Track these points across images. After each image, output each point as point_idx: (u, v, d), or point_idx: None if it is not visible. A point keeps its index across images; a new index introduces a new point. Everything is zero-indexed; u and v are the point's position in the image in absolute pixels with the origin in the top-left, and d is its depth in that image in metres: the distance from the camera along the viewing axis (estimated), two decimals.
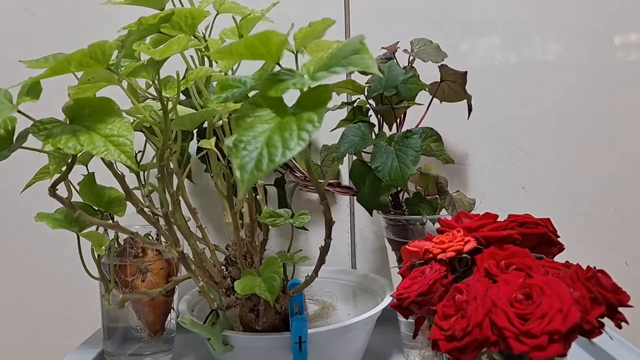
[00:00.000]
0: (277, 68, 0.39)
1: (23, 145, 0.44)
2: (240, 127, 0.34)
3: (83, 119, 0.42)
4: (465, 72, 0.70)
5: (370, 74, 0.66)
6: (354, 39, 0.35)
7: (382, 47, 0.74)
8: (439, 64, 0.70)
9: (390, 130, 0.73)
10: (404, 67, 0.71)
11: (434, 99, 0.73)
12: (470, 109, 0.72)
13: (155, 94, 0.57)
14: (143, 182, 0.64)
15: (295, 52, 0.44)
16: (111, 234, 0.63)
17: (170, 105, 0.50)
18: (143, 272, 0.64)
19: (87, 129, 0.41)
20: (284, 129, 0.33)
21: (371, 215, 0.70)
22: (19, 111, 0.42)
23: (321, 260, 0.55)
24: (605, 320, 0.38)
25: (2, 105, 0.41)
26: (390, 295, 0.55)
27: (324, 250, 0.54)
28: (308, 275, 0.57)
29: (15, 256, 0.88)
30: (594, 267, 0.40)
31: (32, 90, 0.43)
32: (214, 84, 0.57)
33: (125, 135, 0.41)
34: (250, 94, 0.38)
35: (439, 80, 0.72)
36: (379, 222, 0.79)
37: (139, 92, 0.62)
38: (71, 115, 0.43)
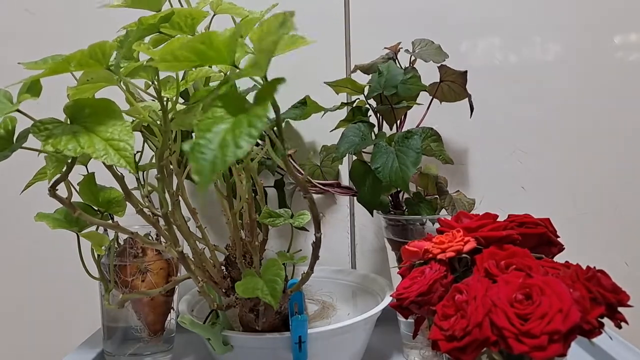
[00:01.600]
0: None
1: (23, 145, 0.44)
2: (199, 129, 0.34)
3: (84, 119, 0.42)
4: (465, 72, 0.70)
5: None
6: (277, 16, 0.35)
7: (385, 47, 0.75)
8: (439, 65, 0.70)
9: (390, 131, 0.73)
10: (405, 68, 0.71)
11: (434, 100, 0.73)
12: (472, 108, 0.72)
13: (154, 95, 0.57)
14: (142, 183, 0.64)
15: (253, 52, 0.43)
16: (111, 234, 0.64)
17: (169, 105, 0.50)
18: (143, 272, 0.64)
19: (87, 131, 0.41)
20: (236, 127, 0.33)
21: (372, 215, 0.70)
22: (19, 110, 0.42)
23: (315, 256, 0.55)
24: (605, 320, 0.38)
25: (2, 104, 0.41)
26: (390, 295, 0.55)
27: (316, 245, 0.54)
28: (304, 273, 0.57)
29: (15, 256, 0.88)
30: (594, 267, 0.39)
31: (33, 88, 0.43)
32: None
33: (126, 140, 0.41)
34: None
35: (439, 81, 0.72)
36: (379, 222, 0.79)
37: (135, 93, 0.62)
38: (72, 116, 0.43)
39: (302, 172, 0.74)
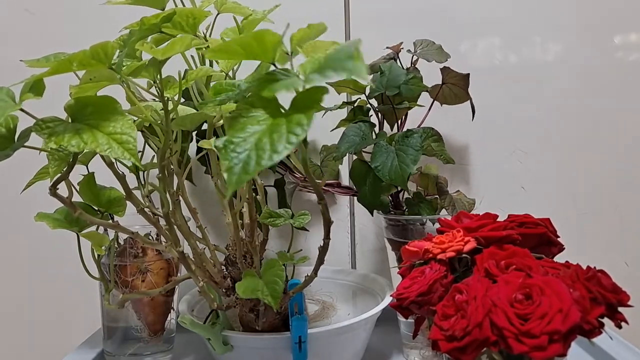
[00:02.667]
0: (273, 68, 0.38)
1: (25, 144, 0.44)
2: (233, 128, 0.33)
3: (85, 117, 0.42)
4: (468, 75, 0.70)
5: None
6: (350, 44, 0.34)
7: (387, 47, 0.75)
8: (441, 67, 0.70)
9: (391, 131, 0.73)
10: (407, 68, 0.71)
11: (435, 102, 0.73)
12: (473, 111, 0.72)
13: (156, 94, 0.57)
14: (143, 182, 0.65)
15: (290, 53, 0.43)
16: (111, 234, 0.64)
17: (171, 105, 0.50)
18: (143, 272, 0.64)
19: (89, 127, 0.41)
20: (273, 131, 0.33)
21: (372, 215, 0.70)
22: (21, 109, 0.42)
23: (320, 260, 0.55)
24: (605, 320, 0.38)
25: (5, 103, 0.41)
26: (390, 295, 0.55)
27: (323, 250, 0.54)
28: (308, 276, 0.57)
29: (15, 256, 0.88)
30: (594, 267, 0.40)
31: (35, 87, 0.43)
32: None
33: (129, 133, 0.41)
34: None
35: (441, 83, 0.72)
36: (379, 222, 0.79)
37: (136, 92, 0.62)
38: (73, 114, 0.43)
39: (301, 172, 0.74)
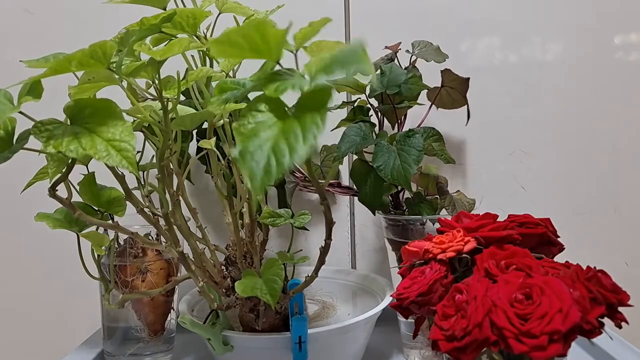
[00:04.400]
0: (278, 67, 0.38)
1: (25, 145, 0.44)
2: (243, 135, 0.33)
3: (84, 119, 0.42)
4: (468, 79, 0.70)
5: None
6: (357, 44, 0.34)
7: (385, 47, 0.75)
8: (442, 69, 0.70)
9: (392, 130, 0.73)
10: (406, 68, 0.71)
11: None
12: (469, 116, 0.72)
13: (155, 94, 0.57)
14: (143, 182, 0.64)
15: (295, 52, 0.43)
16: (111, 234, 0.63)
17: (170, 105, 0.50)
18: (143, 272, 0.64)
19: (88, 132, 0.41)
20: (288, 133, 0.32)
21: (374, 215, 0.70)
22: (20, 112, 0.42)
23: (321, 261, 0.55)
24: (605, 320, 0.38)
25: (3, 105, 0.41)
26: (390, 295, 0.55)
27: (324, 250, 0.54)
28: (308, 276, 0.57)
29: (15, 256, 0.88)
30: (594, 267, 0.40)
31: (34, 89, 0.43)
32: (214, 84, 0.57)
33: (127, 141, 0.41)
34: (252, 96, 0.38)
35: (440, 86, 0.72)
36: (379, 222, 0.79)
37: (138, 92, 0.62)
38: (72, 116, 0.42)
39: (302, 172, 0.74)
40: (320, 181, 0.48)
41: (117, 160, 0.40)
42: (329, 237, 0.52)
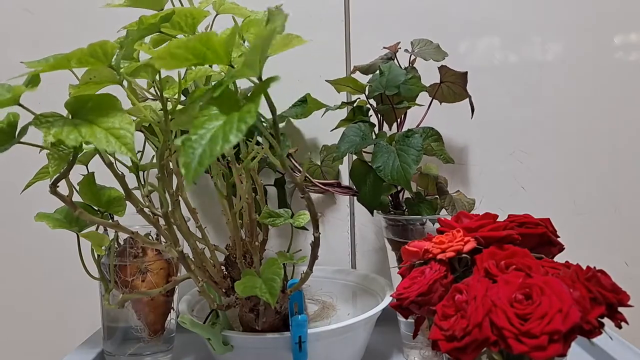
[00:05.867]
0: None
1: (25, 141, 0.44)
2: (193, 126, 0.35)
3: (85, 113, 0.42)
4: (466, 73, 0.70)
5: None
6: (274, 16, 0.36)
7: (384, 47, 0.75)
8: (439, 65, 0.70)
9: (390, 131, 0.73)
10: (405, 68, 0.71)
11: (434, 100, 0.73)
12: (472, 109, 0.72)
13: (155, 94, 0.57)
14: (143, 182, 0.64)
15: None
16: (111, 234, 0.63)
17: (170, 105, 0.50)
18: (143, 272, 0.64)
19: (88, 123, 0.41)
20: (227, 123, 0.34)
21: (372, 215, 0.70)
22: (21, 105, 0.42)
23: (314, 256, 0.55)
24: (605, 320, 0.38)
25: (3, 97, 0.41)
26: (390, 295, 0.55)
27: (315, 244, 0.54)
28: (303, 273, 0.57)
29: (15, 256, 0.88)
30: (594, 267, 0.40)
31: (32, 82, 0.43)
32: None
33: (127, 128, 0.41)
34: None
35: (439, 82, 0.72)
36: (379, 222, 0.79)
37: (138, 92, 0.62)
38: (73, 110, 0.43)
39: (301, 170, 0.74)
40: (296, 174, 0.49)
41: (117, 147, 0.40)
42: (316, 230, 0.52)
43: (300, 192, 0.49)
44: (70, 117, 0.42)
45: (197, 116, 0.35)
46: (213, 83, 0.58)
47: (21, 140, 0.44)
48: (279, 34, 0.35)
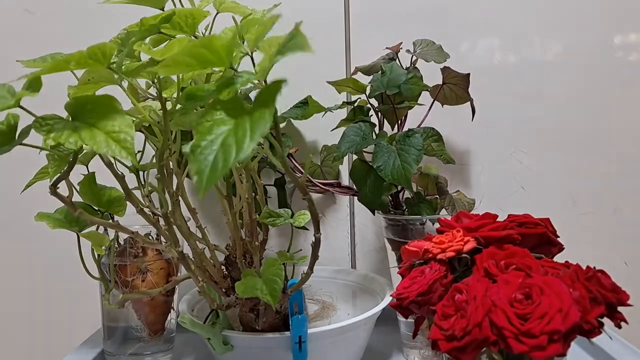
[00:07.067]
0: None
1: (25, 142, 0.44)
2: (199, 132, 0.34)
3: (85, 115, 0.42)
4: (468, 75, 0.70)
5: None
6: (292, 30, 0.35)
7: (386, 47, 0.75)
8: (442, 67, 0.70)
9: (392, 131, 0.73)
10: (406, 68, 0.71)
11: (435, 102, 0.73)
12: (473, 111, 0.72)
13: (155, 94, 0.57)
14: (143, 182, 0.65)
15: (250, 53, 0.44)
16: (111, 234, 0.64)
17: (169, 105, 0.50)
18: (143, 272, 0.64)
19: (88, 126, 0.41)
20: (238, 129, 0.33)
21: (373, 215, 0.70)
22: (21, 107, 0.42)
23: (314, 256, 0.55)
24: (605, 320, 0.38)
25: (4, 99, 0.41)
26: (390, 295, 0.55)
27: (315, 245, 0.54)
28: (303, 273, 0.57)
29: (15, 256, 0.88)
30: (594, 267, 0.40)
31: (32, 85, 0.43)
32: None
33: (127, 132, 0.41)
34: None
35: (441, 83, 0.72)
36: (379, 222, 0.79)
37: (139, 92, 0.62)
38: (73, 113, 0.43)
39: (302, 171, 0.74)
40: (298, 175, 0.49)
41: (117, 151, 0.40)
42: (317, 230, 0.52)
43: (301, 193, 0.49)
44: (70, 119, 0.42)
45: (200, 121, 0.35)
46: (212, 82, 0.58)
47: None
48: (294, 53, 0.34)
